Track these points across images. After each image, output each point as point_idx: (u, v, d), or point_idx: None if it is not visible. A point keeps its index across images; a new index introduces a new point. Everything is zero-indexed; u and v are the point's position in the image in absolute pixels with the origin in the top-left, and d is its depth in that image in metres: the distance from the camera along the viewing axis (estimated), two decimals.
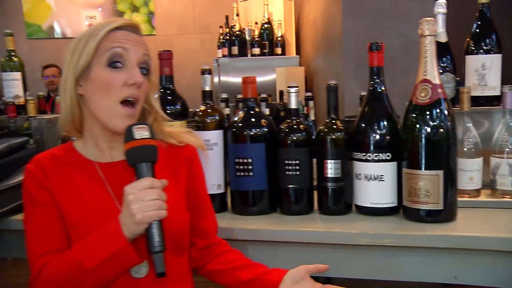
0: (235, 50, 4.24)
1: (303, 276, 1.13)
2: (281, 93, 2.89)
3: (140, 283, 1.07)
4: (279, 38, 4.34)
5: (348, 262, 1.28)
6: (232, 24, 4.36)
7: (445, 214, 1.26)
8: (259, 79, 4.19)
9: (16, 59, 1.96)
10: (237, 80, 4.05)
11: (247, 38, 4.26)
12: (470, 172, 1.40)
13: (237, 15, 4.38)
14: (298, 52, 4.59)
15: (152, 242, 0.98)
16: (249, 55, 4.26)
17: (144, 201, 0.97)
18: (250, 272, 1.18)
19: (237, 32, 4.30)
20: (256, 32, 4.30)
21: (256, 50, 4.25)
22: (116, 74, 1.08)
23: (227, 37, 4.27)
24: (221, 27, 4.44)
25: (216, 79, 4.15)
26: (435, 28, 1.24)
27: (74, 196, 1.10)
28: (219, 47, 4.37)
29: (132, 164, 1.02)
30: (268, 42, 4.32)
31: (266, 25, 4.35)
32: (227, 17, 4.43)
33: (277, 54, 4.33)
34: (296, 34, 4.56)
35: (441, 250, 1.20)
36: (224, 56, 4.24)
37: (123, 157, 1.12)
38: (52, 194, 1.10)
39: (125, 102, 1.08)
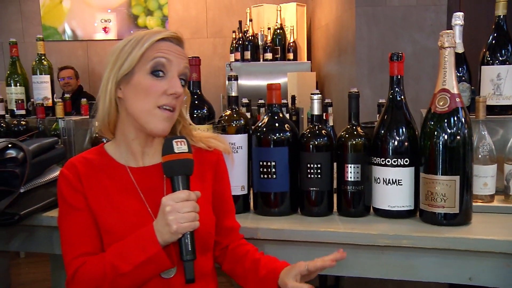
0: (247, 54, 4.32)
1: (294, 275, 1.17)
2: (293, 98, 2.96)
3: (168, 283, 1.13)
4: (291, 44, 4.41)
5: (367, 262, 1.34)
6: (245, 29, 4.43)
7: (461, 218, 1.31)
8: (280, 83, 4.26)
9: (46, 62, 2.03)
10: (250, 83, 4.16)
11: (260, 43, 4.33)
12: (484, 178, 1.45)
13: (250, 20, 4.45)
14: (309, 57, 4.65)
15: (184, 251, 1.05)
16: (261, 59, 4.33)
17: (180, 213, 1.03)
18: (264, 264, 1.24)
19: (250, 37, 4.37)
20: (269, 37, 4.37)
21: (269, 55, 4.32)
22: (158, 83, 1.12)
23: (240, 42, 4.34)
24: (234, 31, 4.51)
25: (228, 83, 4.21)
26: (454, 40, 1.30)
27: (107, 200, 1.14)
28: (231, 52, 4.44)
29: (169, 176, 1.08)
30: (280, 47, 4.39)
31: (278, 31, 4.42)
32: (240, 22, 4.50)
33: (289, 59, 4.40)
34: (307, 39, 4.62)
35: (456, 252, 1.26)
36: (236, 60, 4.31)
37: (154, 162, 1.20)
38: (86, 199, 1.14)
39: (163, 107, 1.14)
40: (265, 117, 1.48)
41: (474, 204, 1.40)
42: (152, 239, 1.05)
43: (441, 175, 1.30)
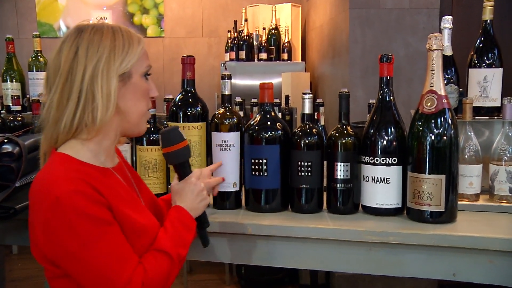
0: (242, 54, 4.34)
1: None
2: (287, 97, 2.99)
3: None
4: (286, 44, 4.44)
5: (355, 258, 1.37)
6: (240, 29, 4.46)
7: (446, 216, 1.35)
8: (272, 82, 4.30)
9: (42, 59, 2.06)
10: (244, 83, 4.19)
11: (255, 42, 4.36)
12: (470, 178, 1.49)
13: (246, 20, 4.48)
14: (303, 58, 4.69)
15: (206, 220, 1.28)
16: (256, 59, 4.36)
17: (206, 189, 1.27)
18: None
19: (245, 37, 4.39)
20: (264, 37, 4.40)
21: (263, 55, 4.35)
22: (148, 86, 1.19)
23: (235, 42, 4.37)
24: (229, 31, 4.53)
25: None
26: (442, 43, 1.34)
27: (127, 205, 1.10)
28: (226, 51, 4.47)
29: (182, 161, 1.25)
30: (275, 47, 4.42)
31: (273, 31, 4.45)
32: (235, 22, 4.52)
33: (283, 60, 4.43)
34: (302, 40, 4.66)
35: (441, 248, 1.30)
36: (231, 60, 4.34)
37: (118, 160, 1.24)
38: (112, 209, 1.05)
39: (149, 110, 1.22)
40: (257, 115, 1.51)
41: (459, 202, 1.44)
42: (189, 217, 1.20)
43: (428, 174, 1.34)
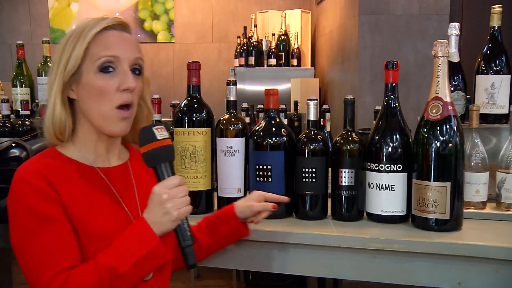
0: (252, 60, 4.35)
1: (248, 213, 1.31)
2: (296, 103, 2.99)
3: (145, 285, 1.10)
4: (295, 50, 4.45)
5: (359, 266, 1.36)
6: (250, 35, 4.47)
7: (452, 224, 1.34)
8: (277, 89, 4.31)
9: (51, 64, 2.07)
10: (253, 88, 4.19)
11: (264, 48, 4.37)
12: (476, 185, 1.48)
13: (255, 26, 4.49)
14: (313, 64, 4.69)
15: (184, 237, 1.05)
16: (265, 65, 4.37)
17: (177, 199, 1.02)
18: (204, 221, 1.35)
19: (255, 43, 4.40)
20: (273, 43, 4.41)
21: (272, 61, 4.36)
22: (109, 80, 1.06)
23: (245, 47, 4.38)
24: (239, 37, 4.55)
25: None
26: (448, 49, 1.33)
27: (88, 205, 1.07)
28: (236, 57, 4.48)
29: (154, 164, 1.05)
30: (284, 53, 4.42)
31: (283, 37, 4.45)
32: (245, 28, 4.54)
33: (293, 65, 4.43)
34: (311, 46, 4.66)
35: (447, 257, 1.29)
36: (241, 65, 4.35)
37: (121, 161, 1.19)
38: (65, 207, 1.03)
39: (121, 106, 1.09)
40: (262, 121, 1.51)
41: (466, 210, 1.43)
42: (148, 232, 1.01)
43: (433, 181, 1.33)
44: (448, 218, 1.33)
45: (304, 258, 1.39)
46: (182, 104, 1.54)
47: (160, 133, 1.05)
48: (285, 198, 1.38)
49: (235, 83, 1.54)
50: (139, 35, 5.25)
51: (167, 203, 1.02)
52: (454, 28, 1.59)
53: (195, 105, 1.53)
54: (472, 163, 1.48)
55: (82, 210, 1.05)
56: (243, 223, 1.34)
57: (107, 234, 1.05)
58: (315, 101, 1.48)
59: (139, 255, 1.00)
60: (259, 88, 4.20)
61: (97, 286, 0.98)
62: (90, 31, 1.06)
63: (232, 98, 1.54)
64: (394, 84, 1.41)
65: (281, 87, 4.13)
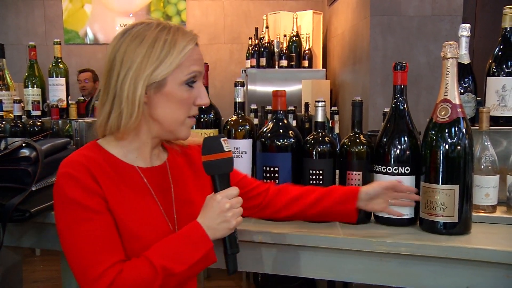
0: (263, 61, 4.35)
1: (378, 193, 1.31)
2: (307, 105, 2.98)
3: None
4: (307, 51, 4.44)
5: (366, 269, 1.35)
6: (262, 36, 4.47)
7: (460, 227, 1.32)
8: (286, 90, 4.30)
9: (62, 65, 2.10)
10: (264, 89, 4.19)
11: (276, 50, 4.37)
12: (486, 189, 1.46)
13: (267, 27, 4.49)
14: (324, 65, 4.67)
15: (233, 245, 1.10)
16: (276, 66, 4.37)
17: (235, 209, 1.08)
18: (317, 193, 1.34)
19: (266, 44, 4.40)
20: (285, 45, 4.40)
21: (284, 62, 4.36)
22: (190, 93, 1.12)
23: (256, 48, 4.38)
24: (250, 38, 4.56)
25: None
26: (457, 51, 1.31)
27: (128, 203, 1.09)
28: (247, 58, 4.49)
29: (215, 173, 1.09)
30: (295, 54, 4.42)
31: (294, 38, 4.45)
32: (256, 29, 4.54)
33: (304, 67, 4.42)
34: (323, 47, 4.64)
35: (455, 261, 1.27)
36: (252, 66, 4.36)
37: (159, 162, 1.20)
38: (107, 202, 1.05)
39: (192, 116, 1.16)
40: (270, 123, 1.51)
41: (475, 214, 1.41)
42: (203, 237, 1.06)
43: (441, 184, 1.31)
44: (457, 221, 1.31)
45: (310, 260, 1.39)
46: None
47: (226, 145, 1.10)
48: (413, 191, 1.36)
49: (243, 84, 1.54)
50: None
51: (228, 212, 1.07)
52: (464, 30, 1.57)
53: (203, 106, 1.53)
54: (482, 166, 1.46)
55: (121, 208, 1.07)
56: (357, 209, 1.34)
57: (142, 234, 1.07)
58: (323, 102, 1.48)
59: (195, 259, 1.04)
60: (270, 89, 4.18)
61: (151, 282, 1.01)
62: (187, 46, 1.09)
63: (239, 100, 1.54)
64: (402, 86, 1.40)
65: (292, 88, 4.12)
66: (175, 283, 1.04)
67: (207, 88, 1.55)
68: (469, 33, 1.57)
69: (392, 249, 1.29)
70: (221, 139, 1.09)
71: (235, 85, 1.53)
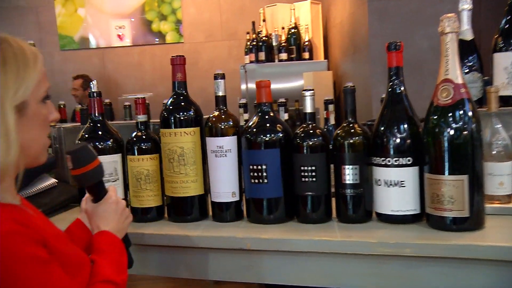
0: (262, 55, 4.22)
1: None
2: None
3: None
4: (306, 43, 4.30)
5: (366, 273, 1.21)
6: (259, 30, 4.34)
7: (472, 222, 1.18)
8: (287, 84, 4.18)
9: None
10: None
11: (274, 43, 4.23)
12: (500, 177, 1.31)
13: (264, 20, 4.37)
14: (326, 56, 4.53)
15: (128, 238, 1.16)
16: (276, 60, 4.23)
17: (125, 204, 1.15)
18: None
19: (264, 38, 4.28)
20: (283, 37, 4.27)
21: (284, 55, 4.22)
22: (47, 110, 0.98)
23: (254, 43, 4.26)
24: (247, 33, 4.43)
25: (243, 86, 4.12)
26: (457, 24, 1.17)
27: (57, 240, 0.96)
28: (246, 53, 4.36)
29: (97, 181, 1.10)
30: (295, 46, 4.28)
31: (293, 30, 4.31)
32: (253, 23, 4.41)
33: (305, 59, 4.29)
34: (324, 38, 4.50)
35: (467, 261, 1.12)
36: (251, 62, 4.22)
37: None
38: (46, 247, 0.90)
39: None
40: (254, 117, 1.37)
41: (489, 206, 1.27)
42: (118, 240, 1.10)
43: (448, 175, 1.17)
44: (468, 215, 1.17)
45: (304, 267, 1.25)
46: (168, 103, 1.42)
47: (94, 151, 1.10)
48: None
49: (223, 77, 1.40)
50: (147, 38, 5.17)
51: (126, 210, 1.14)
52: (465, 2, 1.42)
53: (182, 103, 1.41)
54: (494, 152, 1.32)
55: (57, 245, 0.94)
56: None
57: (82, 261, 1.00)
58: (311, 91, 1.33)
59: (126, 261, 1.09)
60: (272, 85, 4.06)
61: None
62: (39, 58, 0.96)
63: (220, 93, 1.41)
64: (398, 68, 1.26)
65: (294, 82, 3.98)
66: None
67: (185, 83, 1.42)
68: (471, 5, 1.42)
69: (395, 250, 1.16)
70: (89, 146, 1.08)
71: (215, 78, 1.40)
